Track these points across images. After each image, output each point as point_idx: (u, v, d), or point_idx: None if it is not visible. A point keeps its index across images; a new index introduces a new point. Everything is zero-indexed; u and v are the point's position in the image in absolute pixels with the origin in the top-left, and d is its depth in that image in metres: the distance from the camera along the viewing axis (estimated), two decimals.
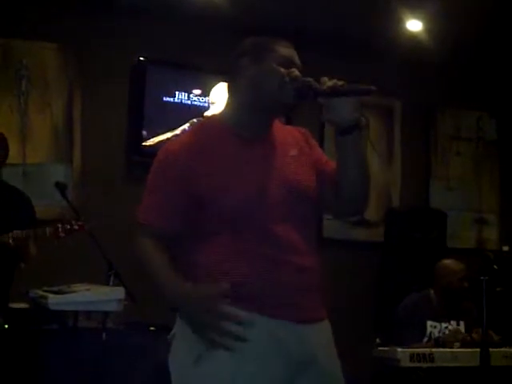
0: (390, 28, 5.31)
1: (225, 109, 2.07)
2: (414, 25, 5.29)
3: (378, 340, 4.24)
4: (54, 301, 3.63)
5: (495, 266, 3.45)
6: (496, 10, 4.95)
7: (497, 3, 4.89)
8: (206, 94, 5.33)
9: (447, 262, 4.53)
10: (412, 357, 3.83)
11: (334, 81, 1.88)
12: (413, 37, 5.36)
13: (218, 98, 5.35)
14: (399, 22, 5.25)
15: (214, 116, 2.14)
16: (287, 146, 2.05)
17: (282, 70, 1.95)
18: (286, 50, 2.01)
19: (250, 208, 1.92)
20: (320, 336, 2.00)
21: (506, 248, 5.53)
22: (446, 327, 4.28)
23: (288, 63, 1.98)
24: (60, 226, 3.73)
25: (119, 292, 3.74)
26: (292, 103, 1.96)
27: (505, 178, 6.18)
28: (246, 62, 1.99)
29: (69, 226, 3.76)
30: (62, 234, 3.72)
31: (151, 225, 1.99)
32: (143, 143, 5.14)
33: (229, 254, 1.91)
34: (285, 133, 2.09)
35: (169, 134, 5.15)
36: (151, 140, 5.15)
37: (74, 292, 3.73)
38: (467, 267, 4.50)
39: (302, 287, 1.95)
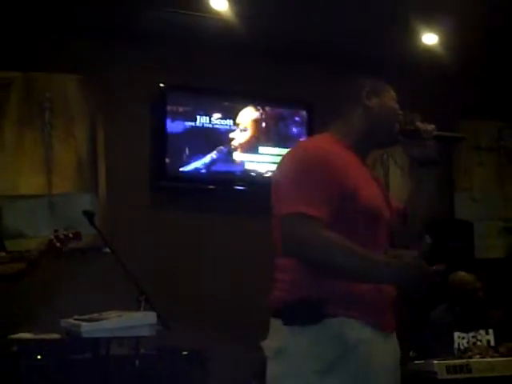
0: (405, 43, 5.32)
1: (337, 129, 2.23)
2: (430, 38, 5.30)
3: (412, 353, 4.21)
4: (87, 328, 3.49)
5: None
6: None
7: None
8: (227, 116, 5.38)
9: (460, 274, 4.60)
10: (449, 369, 3.84)
11: (433, 126, 2.22)
12: (429, 50, 5.38)
13: (243, 122, 5.44)
14: (415, 36, 5.27)
15: (325, 134, 2.26)
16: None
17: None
18: (393, 93, 2.26)
19: (378, 207, 2.14)
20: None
21: None
22: (474, 336, 4.24)
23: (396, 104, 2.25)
24: (53, 237, 3.63)
25: (151, 317, 3.67)
26: (398, 139, 2.24)
27: None
28: (367, 94, 2.21)
29: (62, 236, 3.65)
30: (58, 245, 3.62)
31: (321, 219, 1.97)
32: (181, 169, 5.23)
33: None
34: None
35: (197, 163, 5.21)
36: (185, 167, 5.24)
37: (107, 319, 3.62)
38: (497, 276, 4.49)
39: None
